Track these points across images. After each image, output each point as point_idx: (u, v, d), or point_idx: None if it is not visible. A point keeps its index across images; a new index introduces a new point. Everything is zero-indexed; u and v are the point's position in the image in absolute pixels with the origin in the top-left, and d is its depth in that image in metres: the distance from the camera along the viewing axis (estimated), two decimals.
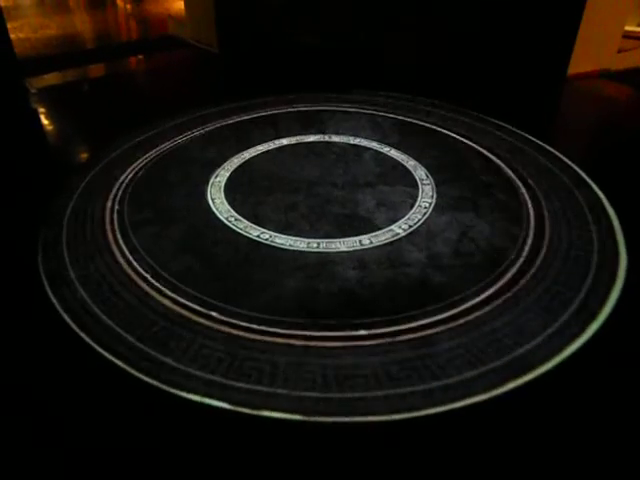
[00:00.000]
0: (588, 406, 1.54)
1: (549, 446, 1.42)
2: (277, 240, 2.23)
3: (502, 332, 1.75)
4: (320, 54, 4.80)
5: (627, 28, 4.25)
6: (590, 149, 3.29)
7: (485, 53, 4.19)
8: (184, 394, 1.54)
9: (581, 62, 4.05)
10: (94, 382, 1.62)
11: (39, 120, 3.52)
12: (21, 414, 1.53)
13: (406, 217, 2.39)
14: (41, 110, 3.66)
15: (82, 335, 1.75)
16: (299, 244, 2.21)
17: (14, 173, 2.84)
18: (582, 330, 1.75)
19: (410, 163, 2.85)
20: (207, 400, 1.52)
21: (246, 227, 2.33)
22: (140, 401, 1.56)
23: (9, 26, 3.67)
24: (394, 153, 2.96)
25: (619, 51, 4.19)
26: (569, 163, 2.82)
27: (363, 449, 1.42)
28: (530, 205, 2.47)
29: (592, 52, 4.06)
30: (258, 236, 2.26)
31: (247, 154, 2.97)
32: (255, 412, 1.49)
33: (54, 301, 1.90)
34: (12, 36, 3.69)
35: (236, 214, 2.42)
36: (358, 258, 2.12)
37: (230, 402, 1.52)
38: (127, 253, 2.15)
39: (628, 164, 2.94)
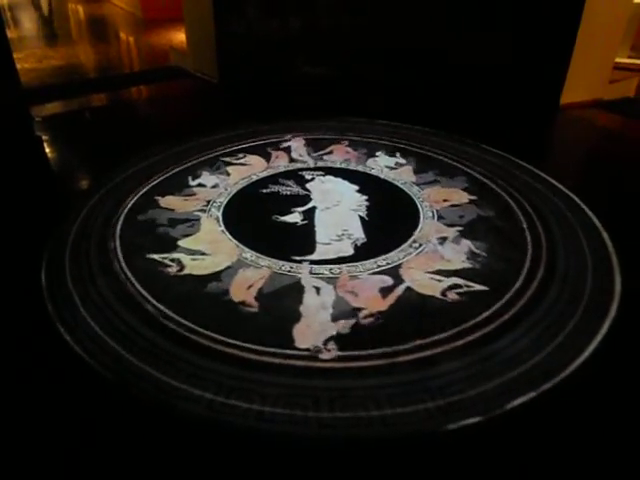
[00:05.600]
0: (589, 423, 1.56)
1: (559, 463, 1.43)
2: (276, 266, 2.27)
3: (502, 352, 1.77)
4: (320, 84, 4.91)
5: (618, 60, 4.38)
6: (583, 175, 3.37)
7: (481, 83, 4.30)
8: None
9: (574, 92, 4.15)
10: (92, 399, 1.64)
11: (43, 147, 3.59)
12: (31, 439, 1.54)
13: (407, 243, 2.43)
14: (45, 137, 3.72)
15: (81, 353, 1.77)
16: (297, 268, 2.25)
17: (19, 198, 2.87)
18: (581, 348, 1.78)
19: (411, 187, 2.91)
20: None
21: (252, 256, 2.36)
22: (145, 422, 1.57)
23: (15, 56, 3.76)
24: (395, 180, 3.03)
25: (610, 82, 4.31)
26: (563, 189, 2.88)
27: (358, 470, 1.43)
28: (527, 230, 2.51)
29: (584, 83, 4.17)
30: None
31: (244, 181, 3.03)
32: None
33: (56, 321, 1.92)
34: (18, 66, 3.77)
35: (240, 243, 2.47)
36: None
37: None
38: (130, 275, 2.18)
39: (619, 189, 3.03)
